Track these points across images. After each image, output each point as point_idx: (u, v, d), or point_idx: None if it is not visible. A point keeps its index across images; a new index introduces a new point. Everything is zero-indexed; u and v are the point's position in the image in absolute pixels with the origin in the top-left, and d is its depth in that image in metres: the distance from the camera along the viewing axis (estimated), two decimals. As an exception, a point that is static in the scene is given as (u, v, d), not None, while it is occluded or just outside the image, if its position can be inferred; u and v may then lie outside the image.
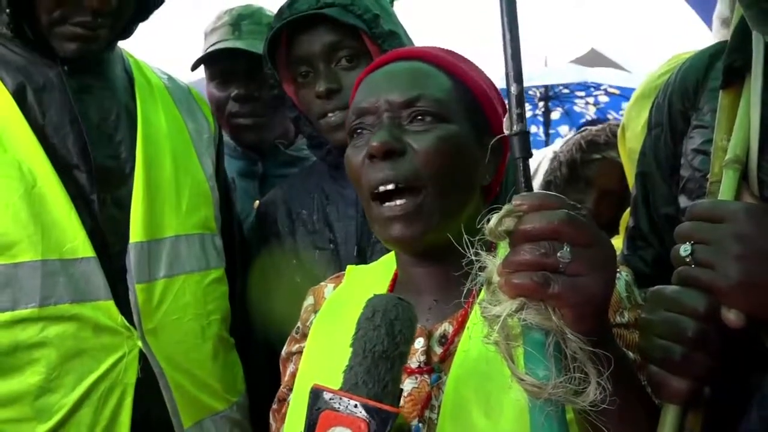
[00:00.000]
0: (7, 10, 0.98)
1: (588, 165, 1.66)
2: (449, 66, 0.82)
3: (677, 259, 0.63)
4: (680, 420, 0.62)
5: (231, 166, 1.58)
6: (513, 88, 0.59)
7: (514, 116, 0.58)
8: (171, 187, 1.10)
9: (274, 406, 0.93)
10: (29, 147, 0.98)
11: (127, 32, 1.13)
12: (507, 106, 0.61)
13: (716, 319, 0.60)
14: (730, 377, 0.63)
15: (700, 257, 0.61)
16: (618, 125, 1.73)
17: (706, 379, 0.61)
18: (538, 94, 5.18)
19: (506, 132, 0.59)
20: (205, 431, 1.10)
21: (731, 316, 0.59)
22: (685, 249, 0.62)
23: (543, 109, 5.31)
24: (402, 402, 0.75)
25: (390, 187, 0.75)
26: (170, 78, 1.25)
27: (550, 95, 5.21)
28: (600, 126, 1.77)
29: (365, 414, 0.57)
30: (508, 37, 0.59)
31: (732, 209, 0.62)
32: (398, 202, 0.75)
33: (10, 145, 0.97)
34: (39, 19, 1.00)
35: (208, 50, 1.50)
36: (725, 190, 0.70)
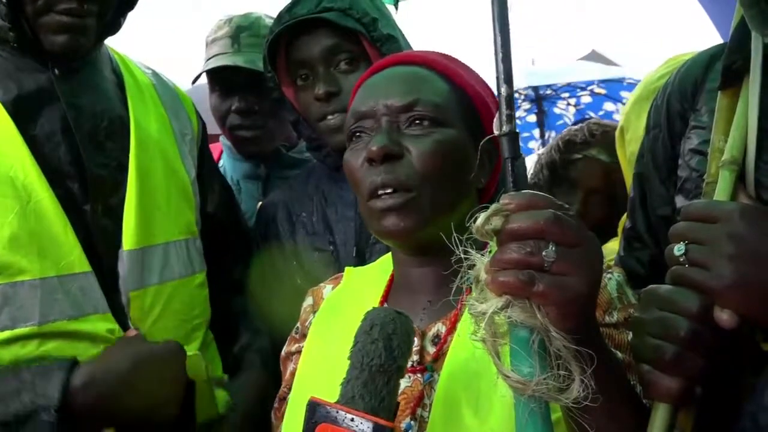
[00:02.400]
0: (3, 1, 0.95)
1: (569, 166, 1.64)
2: (446, 70, 0.84)
3: (671, 259, 0.63)
4: (671, 419, 0.62)
5: (236, 169, 1.62)
6: (503, 90, 0.59)
7: (504, 117, 0.59)
8: (162, 193, 1.09)
9: (275, 405, 0.94)
10: (22, 160, 0.96)
11: (115, 26, 1.10)
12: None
13: (709, 319, 0.60)
14: (722, 377, 0.63)
15: (693, 257, 0.61)
16: (597, 123, 1.73)
17: (697, 378, 0.61)
18: (523, 96, 5.09)
19: (496, 132, 0.60)
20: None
21: (724, 317, 0.59)
22: (679, 249, 0.62)
23: (534, 110, 5.17)
24: (396, 400, 0.75)
25: (389, 191, 0.76)
26: (155, 74, 1.22)
27: (541, 95, 5.12)
28: (578, 126, 1.75)
29: (361, 428, 0.57)
30: (498, 39, 0.60)
31: (726, 209, 0.62)
32: (393, 195, 0.76)
33: (3, 159, 0.95)
34: (25, 12, 0.97)
35: (208, 64, 1.52)
36: (721, 191, 0.70)
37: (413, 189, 0.76)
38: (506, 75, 0.59)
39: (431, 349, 0.77)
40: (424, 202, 0.76)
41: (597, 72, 4.91)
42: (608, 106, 4.79)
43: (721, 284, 0.59)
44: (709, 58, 0.87)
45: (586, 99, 4.99)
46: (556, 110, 5.19)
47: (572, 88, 4.96)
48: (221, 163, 1.66)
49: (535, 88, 5.00)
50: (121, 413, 0.92)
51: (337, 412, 0.58)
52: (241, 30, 1.52)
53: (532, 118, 5.22)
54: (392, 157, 0.77)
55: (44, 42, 0.99)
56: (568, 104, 5.09)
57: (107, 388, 0.90)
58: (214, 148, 1.64)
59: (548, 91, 5.07)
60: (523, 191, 0.58)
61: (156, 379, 0.95)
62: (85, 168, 1.01)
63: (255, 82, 1.42)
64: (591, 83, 4.82)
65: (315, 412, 0.59)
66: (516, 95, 5.02)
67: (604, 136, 1.63)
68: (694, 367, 0.60)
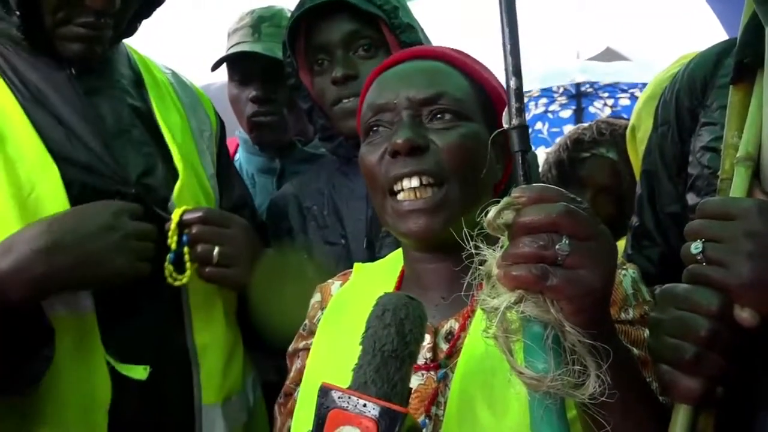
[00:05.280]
0: (17, 12, 0.98)
1: (578, 164, 1.64)
2: (464, 66, 0.84)
3: (688, 257, 0.62)
4: (692, 420, 0.61)
5: (251, 163, 1.62)
6: (512, 83, 0.59)
7: (513, 110, 0.59)
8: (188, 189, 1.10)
9: (280, 400, 0.94)
10: (36, 158, 0.96)
11: (130, 30, 1.13)
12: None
13: (729, 317, 0.59)
14: (743, 377, 0.62)
15: (711, 255, 0.60)
16: (606, 121, 1.72)
17: (718, 379, 0.60)
18: (561, 90, 4.99)
19: (505, 126, 0.60)
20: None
21: (745, 315, 0.58)
22: (696, 247, 0.61)
23: (572, 105, 5.06)
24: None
25: (414, 182, 0.76)
26: (174, 73, 1.25)
27: (582, 91, 5.02)
28: (587, 124, 1.74)
29: (374, 413, 0.56)
30: (507, 31, 0.60)
31: (743, 206, 0.61)
32: (420, 195, 0.75)
33: (20, 159, 0.95)
34: (43, 22, 1.00)
35: (227, 52, 1.54)
36: (737, 188, 0.69)
37: (442, 184, 0.76)
38: (515, 68, 0.59)
39: (444, 346, 0.76)
40: (453, 202, 0.76)
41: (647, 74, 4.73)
42: (640, 108, 4.68)
43: (740, 282, 0.58)
44: (718, 53, 0.86)
45: (624, 101, 4.86)
46: (592, 109, 5.08)
47: (613, 89, 4.84)
48: (237, 157, 1.67)
49: (577, 84, 4.89)
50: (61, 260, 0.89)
51: (349, 397, 0.57)
52: (263, 20, 1.54)
53: (566, 113, 5.09)
54: (418, 150, 0.76)
55: (60, 48, 1.02)
56: (605, 104, 4.98)
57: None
58: (230, 143, 1.65)
59: (589, 89, 4.97)
60: (534, 184, 0.58)
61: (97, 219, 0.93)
62: (107, 165, 1.02)
63: (272, 71, 1.43)
64: (634, 86, 4.71)
65: (327, 397, 0.58)
66: (554, 89, 4.94)
67: (613, 135, 1.63)
68: (714, 367, 0.59)
